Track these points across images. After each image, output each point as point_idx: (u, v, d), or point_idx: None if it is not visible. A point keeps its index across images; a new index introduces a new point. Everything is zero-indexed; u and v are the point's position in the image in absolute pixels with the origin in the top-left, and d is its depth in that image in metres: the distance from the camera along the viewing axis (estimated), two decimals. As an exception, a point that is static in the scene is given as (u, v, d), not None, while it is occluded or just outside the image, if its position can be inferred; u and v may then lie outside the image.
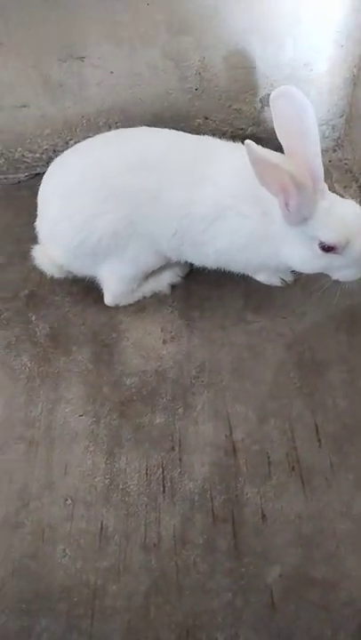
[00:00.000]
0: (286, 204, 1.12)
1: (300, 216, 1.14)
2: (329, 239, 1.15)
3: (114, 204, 1.30)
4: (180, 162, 1.30)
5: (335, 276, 1.26)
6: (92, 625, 1.06)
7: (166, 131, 1.40)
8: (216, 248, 1.33)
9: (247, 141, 1.04)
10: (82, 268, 1.45)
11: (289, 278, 1.50)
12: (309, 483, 1.18)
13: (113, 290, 1.48)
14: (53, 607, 1.07)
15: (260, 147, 1.05)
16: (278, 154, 1.10)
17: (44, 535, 1.16)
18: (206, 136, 1.40)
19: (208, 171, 1.28)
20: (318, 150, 1.09)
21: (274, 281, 1.50)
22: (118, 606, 1.07)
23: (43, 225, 1.41)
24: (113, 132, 1.44)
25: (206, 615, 1.05)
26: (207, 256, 1.38)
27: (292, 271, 1.48)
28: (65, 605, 1.07)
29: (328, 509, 1.15)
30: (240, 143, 1.35)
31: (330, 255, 1.18)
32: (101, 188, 1.31)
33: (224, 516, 1.16)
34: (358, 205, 1.17)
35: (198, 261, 1.42)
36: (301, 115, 1.07)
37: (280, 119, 1.12)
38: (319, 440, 1.24)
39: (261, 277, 1.50)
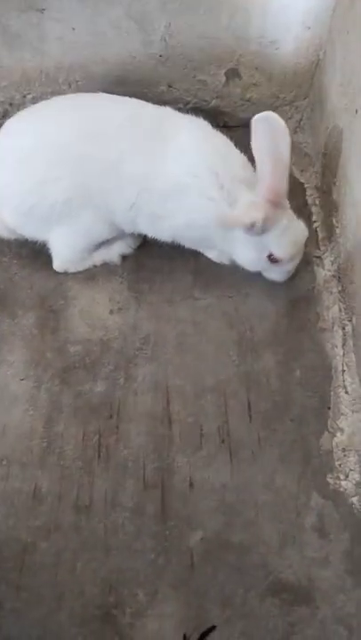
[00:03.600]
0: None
1: (261, 232, 1.27)
2: (280, 255, 1.33)
3: (69, 171, 1.28)
4: (142, 133, 1.30)
5: (266, 275, 1.44)
6: (20, 578, 1.11)
7: (127, 99, 1.38)
8: (172, 224, 1.36)
9: (226, 215, 1.25)
10: (32, 232, 1.42)
11: (238, 259, 1.54)
12: (237, 455, 1.25)
13: (62, 256, 1.46)
14: (-17, 561, 1.12)
15: (234, 213, 1.25)
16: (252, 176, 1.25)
17: (-23, 494, 1.19)
18: (169, 108, 1.39)
19: (171, 146, 1.28)
20: (287, 173, 1.22)
21: (224, 259, 1.53)
22: (47, 562, 1.13)
23: (-7, 186, 1.36)
24: (72, 96, 1.40)
25: (130, 573, 1.12)
26: (162, 230, 1.40)
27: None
28: (-5, 560, 1.12)
29: (252, 481, 1.22)
30: (202, 120, 1.37)
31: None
32: (58, 152, 1.28)
33: (154, 482, 1.22)
34: (306, 228, 1.34)
35: (152, 234, 1.43)
36: (279, 141, 1.17)
37: (259, 140, 1.20)
38: (250, 416, 1.31)
39: (212, 255, 1.53)
